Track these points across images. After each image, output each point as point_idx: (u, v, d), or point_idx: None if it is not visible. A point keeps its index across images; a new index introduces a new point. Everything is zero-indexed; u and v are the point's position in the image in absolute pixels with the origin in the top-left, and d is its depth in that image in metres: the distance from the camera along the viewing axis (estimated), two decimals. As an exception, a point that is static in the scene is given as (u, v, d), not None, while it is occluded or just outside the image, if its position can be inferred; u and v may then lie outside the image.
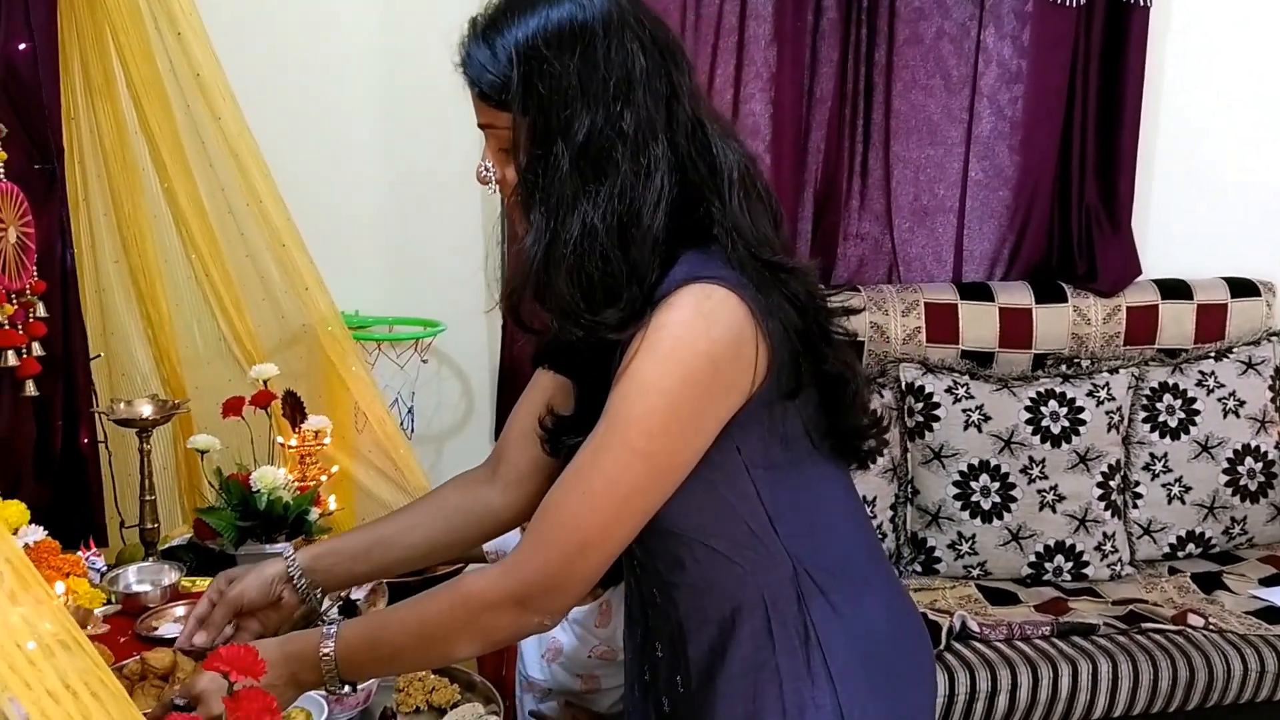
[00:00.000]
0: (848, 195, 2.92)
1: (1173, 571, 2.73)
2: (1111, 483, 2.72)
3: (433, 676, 1.46)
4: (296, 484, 1.80)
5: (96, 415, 1.82)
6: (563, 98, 1.07)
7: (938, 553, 2.68)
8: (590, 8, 1.08)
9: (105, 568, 1.56)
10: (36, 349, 1.66)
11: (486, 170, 1.17)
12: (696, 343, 1.07)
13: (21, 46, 1.68)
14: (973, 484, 2.68)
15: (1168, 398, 2.83)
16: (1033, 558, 2.67)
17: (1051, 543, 2.67)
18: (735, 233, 1.11)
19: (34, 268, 1.65)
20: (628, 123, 1.07)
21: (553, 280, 1.10)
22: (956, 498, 2.68)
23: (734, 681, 1.22)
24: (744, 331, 1.08)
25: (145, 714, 1.09)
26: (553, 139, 1.08)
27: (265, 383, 1.87)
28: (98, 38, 1.95)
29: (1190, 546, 2.81)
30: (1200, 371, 2.86)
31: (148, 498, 1.77)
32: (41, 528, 1.35)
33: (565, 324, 1.12)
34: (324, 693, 1.25)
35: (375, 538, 1.40)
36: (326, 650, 1.16)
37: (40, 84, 1.73)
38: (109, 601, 1.54)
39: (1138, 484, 2.81)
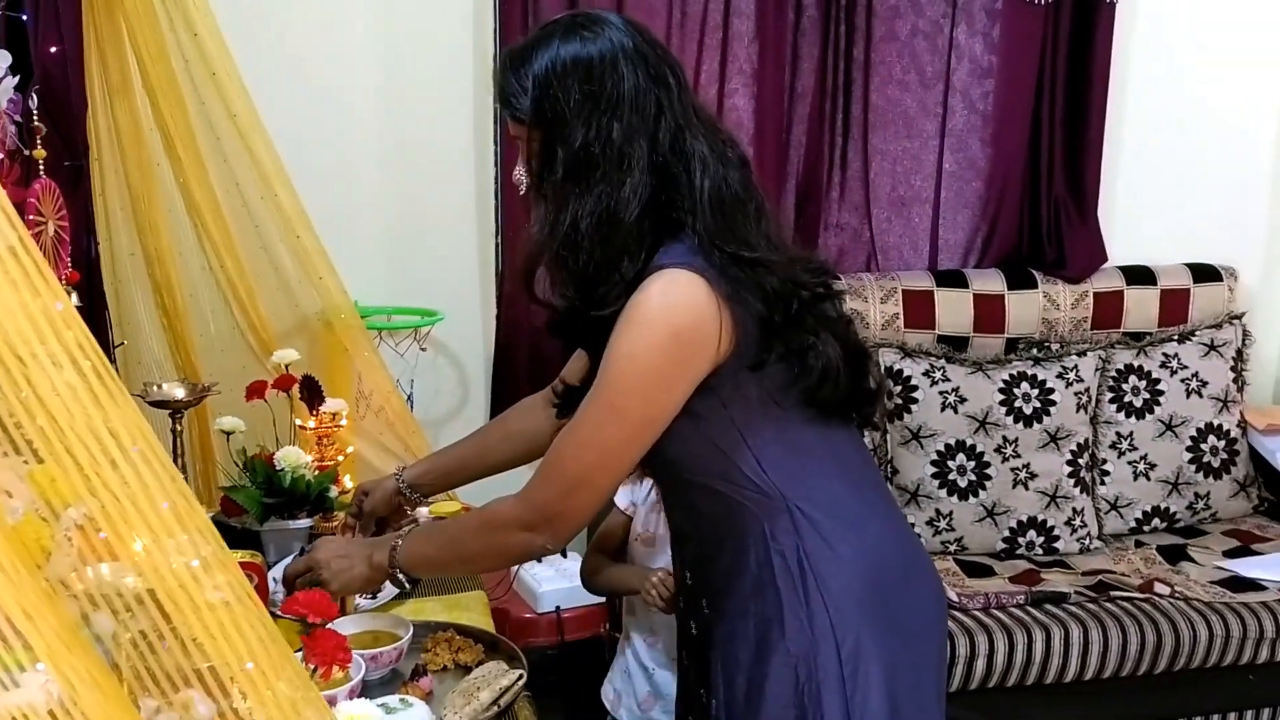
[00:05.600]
0: (828, 187, 3.03)
1: (1139, 545, 2.86)
2: (1080, 460, 2.85)
3: (459, 637, 1.56)
4: (315, 464, 1.88)
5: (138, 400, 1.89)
6: (564, 115, 1.30)
7: (917, 529, 2.80)
8: (593, 44, 1.31)
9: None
10: (72, 337, 1.73)
11: (520, 175, 1.41)
12: (660, 317, 1.28)
13: (53, 49, 1.76)
14: (949, 463, 2.80)
15: (1133, 379, 2.96)
16: (1006, 533, 2.80)
17: (1024, 518, 2.80)
18: (704, 230, 1.30)
19: (69, 260, 1.73)
20: (615, 136, 1.29)
21: (548, 266, 1.35)
22: (934, 476, 2.79)
23: (744, 601, 1.40)
24: (705, 310, 1.28)
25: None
26: (554, 148, 1.31)
27: (287, 367, 1.96)
28: (115, 39, 2.02)
29: (1156, 521, 2.94)
30: (1164, 354, 3.00)
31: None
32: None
33: (561, 301, 1.37)
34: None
35: (462, 458, 1.75)
36: (397, 538, 1.48)
37: (69, 85, 1.80)
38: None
39: (1105, 462, 2.94)
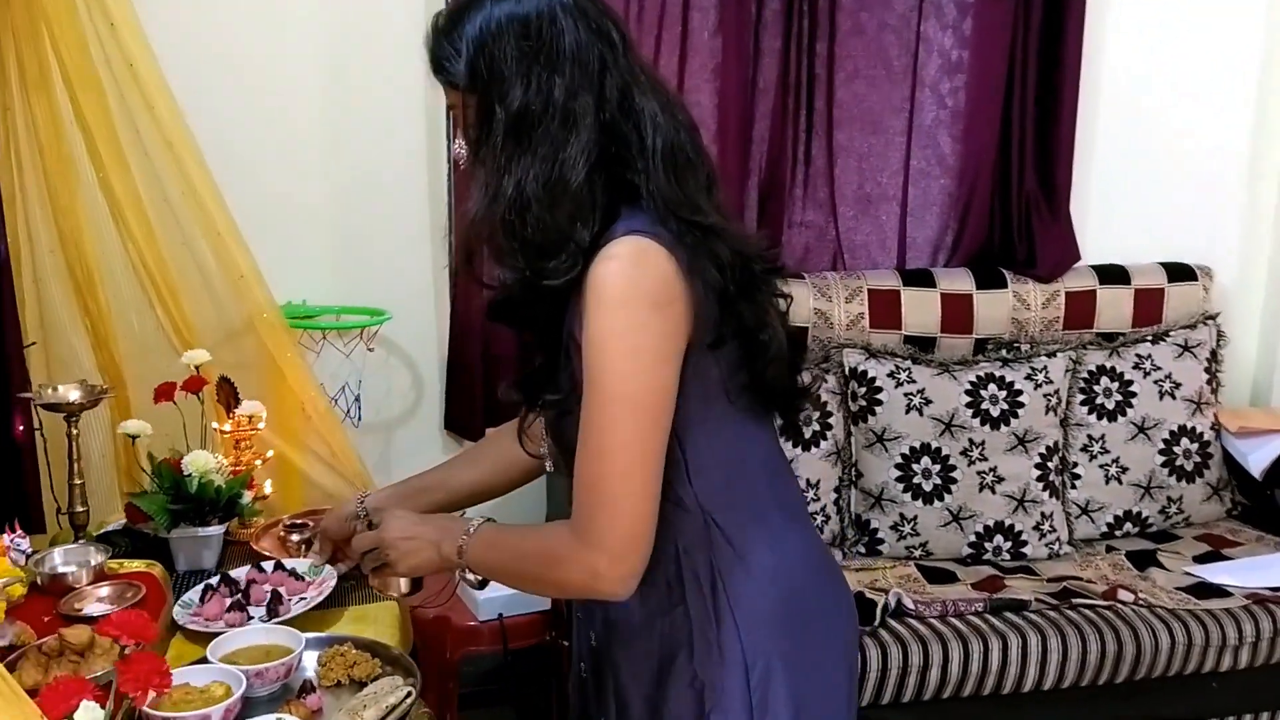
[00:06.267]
0: (791, 184, 2.96)
1: (1110, 550, 2.78)
2: (1049, 464, 2.77)
3: (354, 651, 1.49)
4: (230, 468, 1.82)
5: (31, 402, 1.84)
6: (501, 74, 1.20)
7: (880, 534, 2.73)
8: (529, 1, 1.22)
9: (31, 550, 1.58)
10: (-36, 337, 1.68)
11: (459, 147, 1.29)
12: (636, 287, 1.18)
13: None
14: (914, 466, 2.73)
15: (1105, 380, 2.89)
16: (973, 538, 2.73)
17: (991, 523, 2.73)
18: (658, 194, 1.21)
19: (-40, 257, 1.67)
20: (557, 93, 1.20)
21: (493, 235, 1.23)
22: (899, 480, 2.72)
23: (650, 617, 1.32)
24: (675, 281, 1.19)
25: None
26: (492, 111, 1.21)
27: (197, 368, 1.90)
28: (32, 31, 1.97)
29: (1128, 526, 2.86)
30: (1138, 355, 2.92)
31: (76, 482, 1.80)
32: (-39, 509, 1.38)
33: (508, 273, 1.26)
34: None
35: (428, 483, 1.59)
36: (466, 535, 1.32)
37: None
38: (33, 582, 1.57)
39: (1076, 465, 2.86)
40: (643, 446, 1.20)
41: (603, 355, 1.18)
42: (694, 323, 1.21)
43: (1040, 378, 2.80)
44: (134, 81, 1.96)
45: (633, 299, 1.18)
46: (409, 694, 1.36)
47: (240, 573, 1.74)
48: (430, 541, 1.36)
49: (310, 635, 1.52)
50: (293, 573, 1.73)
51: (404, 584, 1.45)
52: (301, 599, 1.66)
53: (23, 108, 2.00)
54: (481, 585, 1.38)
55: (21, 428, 1.92)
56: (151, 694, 1.30)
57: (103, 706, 0.92)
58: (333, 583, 1.68)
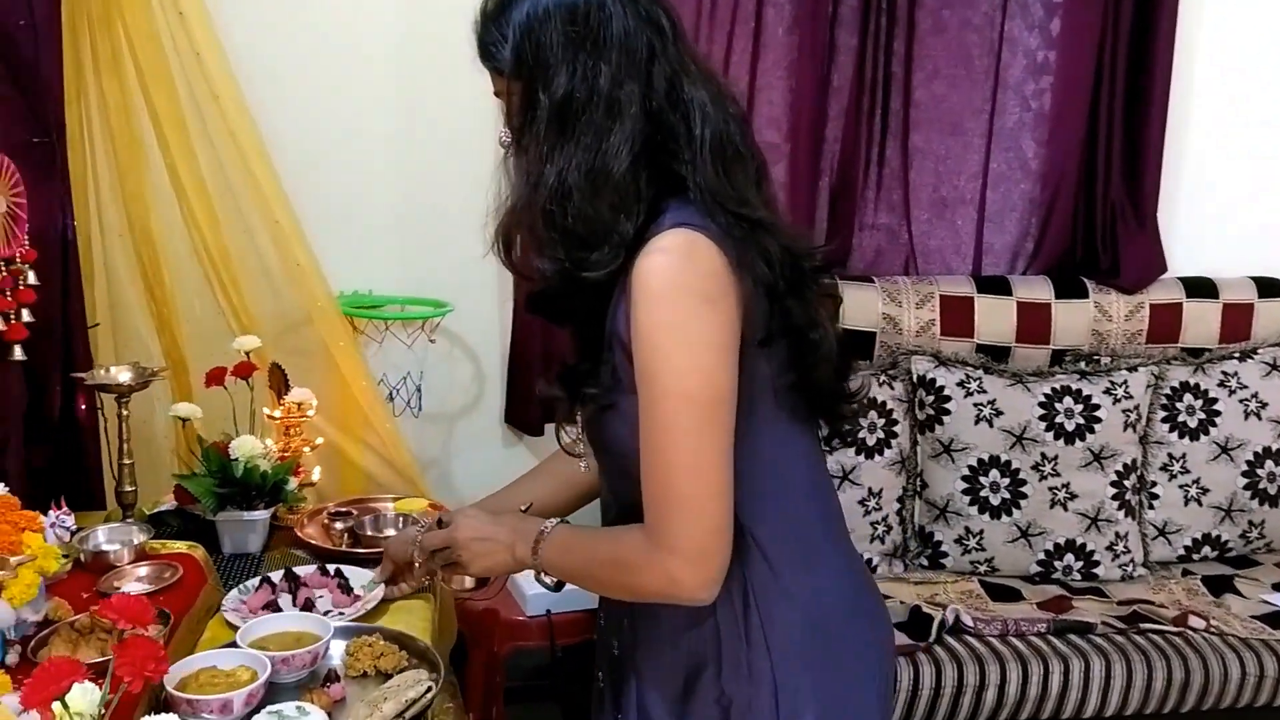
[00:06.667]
0: (864, 185, 2.89)
1: (1186, 574, 2.67)
2: (1126, 482, 2.67)
3: (382, 643, 1.49)
4: (278, 454, 1.83)
5: (84, 382, 1.87)
6: (546, 60, 1.17)
7: (944, 547, 2.66)
8: None
9: (76, 528, 1.61)
10: (25, 315, 1.72)
11: (503, 133, 1.27)
12: (686, 280, 1.14)
13: (20, 23, 1.74)
14: (982, 479, 2.64)
15: (1188, 397, 2.77)
16: (1042, 555, 2.63)
17: (1061, 541, 2.63)
18: (705, 186, 1.17)
19: (25, 237, 1.70)
20: (602, 81, 1.16)
21: (533, 225, 1.20)
22: (965, 492, 2.64)
23: (677, 632, 1.28)
24: (724, 276, 1.15)
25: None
26: (536, 98, 1.18)
27: (248, 354, 1.91)
28: (106, 17, 2.01)
29: (1206, 549, 2.75)
30: (1223, 372, 2.80)
31: (125, 462, 1.83)
32: (0, 484, 1.40)
33: (548, 265, 1.21)
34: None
35: (495, 503, 1.53)
36: (544, 536, 1.30)
37: (39, 60, 1.78)
38: (77, 559, 1.60)
39: (1154, 484, 2.75)
40: (708, 444, 1.15)
41: (655, 351, 1.14)
42: (744, 318, 1.16)
43: (1120, 392, 2.69)
44: (200, 71, 1.99)
45: (683, 292, 1.13)
46: (429, 689, 1.35)
47: (304, 571, 1.71)
48: (504, 544, 1.34)
49: (339, 624, 1.51)
50: (343, 585, 1.68)
51: (470, 580, 1.44)
52: (340, 613, 1.62)
53: (96, 93, 2.04)
54: (558, 587, 1.35)
55: (84, 407, 1.96)
56: (175, 676, 1.32)
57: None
58: (373, 604, 1.65)
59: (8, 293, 1.70)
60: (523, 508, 1.47)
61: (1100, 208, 2.89)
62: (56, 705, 0.93)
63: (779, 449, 1.26)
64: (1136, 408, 2.70)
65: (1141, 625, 2.35)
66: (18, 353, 1.73)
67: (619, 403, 1.20)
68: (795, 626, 1.26)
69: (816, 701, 1.26)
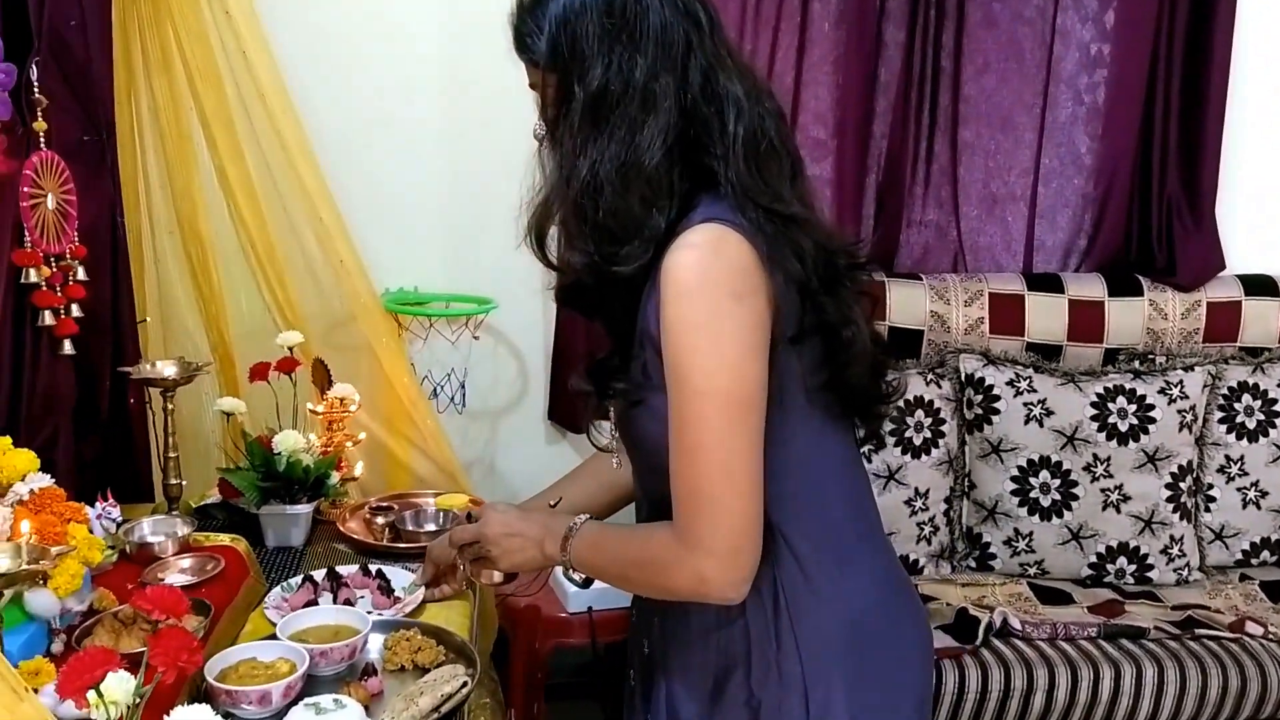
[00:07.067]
0: (912, 182, 2.85)
1: (1244, 579, 2.61)
2: (1182, 484, 2.61)
3: (420, 637, 1.49)
4: (320, 448, 1.85)
5: (130, 376, 1.90)
6: (582, 52, 1.17)
7: (993, 549, 2.62)
8: None
9: (122, 519, 1.63)
10: (75, 310, 1.75)
11: (538, 126, 1.27)
12: (715, 276, 1.12)
13: (72, 23, 1.76)
14: (1032, 480, 2.60)
15: (1246, 398, 2.70)
16: (1093, 558, 2.58)
17: (1114, 544, 2.58)
18: (736, 181, 1.16)
19: (74, 234, 1.73)
20: (637, 74, 1.15)
21: (565, 219, 1.20)
22: (1014, 493, 2.60)
23: (706, 631, 1.27)
24: (754, 272, 1.13)
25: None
26: (571, 90, 1.17)
27: (291, 349, 1.93)
28: (156, 16, 2.03)
29: (1265, 554, 2.68)
30: (1284, 372, 2.72)
31: (171, 455, 1.85)
32: (48, 476, 1.43)
33: (578, 258, 1.20)
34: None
35: (539, 504, 1.52)
36: (572, 532, 1.30)
37: (90, 59, 1.81)
38: (123, 551, 1.62)
39: (1211, 487, 2.69)
40: (738, 442, 1.13)
41: (683, 348, 1.13)
42: (775, 315, 1.15)
43: (1175, 392, 2.63)
44: (248, 70, 2.01)
45: (711, 288, 1.12)
46: (465, 684, 1.35)
47: (346, 570, 1.72)
48: (533, 540, 1.33)
49: (377, 618, 1.52)
50: (384, 586, 1.69)
51: (498, 574, 1.44)
52: (379, 615, 1.62)
53: (146, 92, 2.07)
54: (586, 584, 1.36)
55: (132, 401, 1.99)
56: (215, 667, 1.33)
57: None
58: (413, 607, 1.65)
59: (58, 289, 1.73)
60: (551, 503, 1.47)
61: (1156, 204, 2.83)
62: (91, 694, 0.94)
63: (812, 448, 1.25)
64: (1192, 408, 2.64)
65: (1196, 631, 2.30)
66: (67, 347, 1.76)
67: (648, 399, 1.20)
68: (827, 629, 1.24)
69: (848, 705, 1.24)
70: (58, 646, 1.37)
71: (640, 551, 1.23)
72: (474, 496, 1.99)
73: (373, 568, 1.72)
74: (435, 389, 2.51)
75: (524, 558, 1.35)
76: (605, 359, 1.29)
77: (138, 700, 0.97)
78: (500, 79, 2.60)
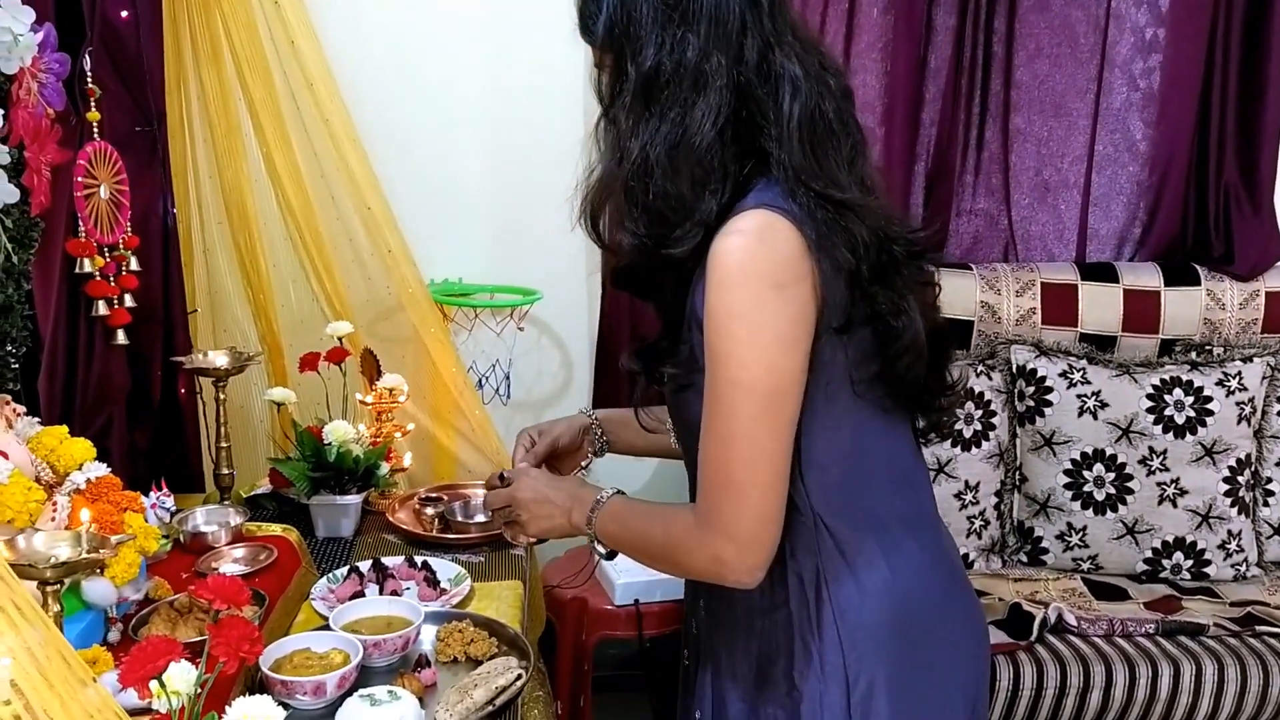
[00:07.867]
0: (962, 169, 2.81)
1: (1304, 575, 2.55)
2: (1240, 478, 2.55)
3: (472, 629, 1.48)
4: (370, 439, 1.84)
5: (181, 366, 1.90)
6: (637, 31, 1.16)
7: (1045, 543, 2.57)
8: None
9: (176, 509, 1.63)
10: (128, 300, 1.75)
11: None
12: (758, 265, 1.11)
13: (124, 15, 1.76)
14: (1085, 473, 2.55)
15: (1308, 390, 2.64)
16: (1149, 553, 2.53)
17: (1170, 539, 2.53)
18: (788, 163, 1.14)
19: (127, 224, 1.73)
20: (690, 53, 1.14)
21: (617, 200, 1.19)
22: (1067, 487, 2.56)
23: (750, 617, 1.26)
24: (799, 261, 1.11)
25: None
26: (626, 69, 1.17)
27: (341, 339, 1.92)
28: (205, 8, 2.04)
29: (1326, 550, 2.62)
30: (1345, 363, 2.66)
31: (222, 444, 1.85)
32: (104, 465, 1.43)
33: (629, 240, 1.19)
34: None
35: (626, 415, 1.52)
36: (599, 505, 1.30)
37: (141, 51, 1.81)
38: (176, 540, 1.62)
39: (1270, 480, 2.63)
40: (766, 434, 1.13)
41: (722, 337, 1.12)
42: (820, 304, 1.13)
43: (1233, 384, 2.57)
44: (295, 59, 2.01)
45: (753, 278, 1.10)
46: (519, 676, 1.34)
47: (392, 562, 1.72)
48: (562, 508, 1.34)
49: (430, 610, 1.51)
50: (430, 579, 1.68)
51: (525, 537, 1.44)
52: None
53: (195, 83, 2.07)
54: (611, 556, 1.35)
55: (184, 391, 1.99)
56: (270, 657, 1.32)
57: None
58: (459, 599, 1.65)
59: (112, 279, 1.73)
60: (582, 468, 1.49)
61: (1212, 191, 2.77)
62: (154, 684, 0.93)
63: (859, 440, 1.23)
64: (1251, 400, 2.58)
65: (1257, 628, 2.25)
66: (120, 337, 1.77)
67: (696, 382, 1.18)
68: (871, 622, 1.22)
69: (892, 700, 1.21)
70: (114, 635, 1.37)
71: (663, 530, 1.24)
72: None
73: (418, 559, 1.71)
74: (480, 380, 2.50)
75: (551, 524, 1.36)
76: (655, 342, 1.28)
77: (199, 690, 0.97)
78: (547, 71, 2.64)
